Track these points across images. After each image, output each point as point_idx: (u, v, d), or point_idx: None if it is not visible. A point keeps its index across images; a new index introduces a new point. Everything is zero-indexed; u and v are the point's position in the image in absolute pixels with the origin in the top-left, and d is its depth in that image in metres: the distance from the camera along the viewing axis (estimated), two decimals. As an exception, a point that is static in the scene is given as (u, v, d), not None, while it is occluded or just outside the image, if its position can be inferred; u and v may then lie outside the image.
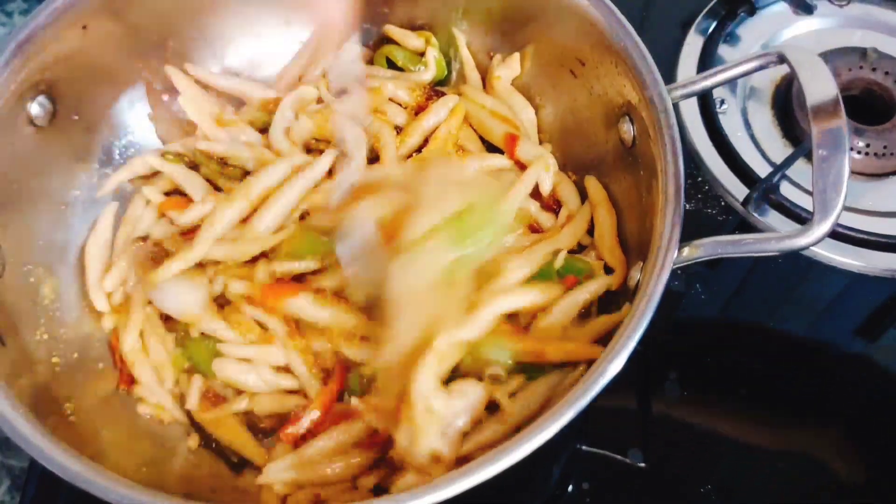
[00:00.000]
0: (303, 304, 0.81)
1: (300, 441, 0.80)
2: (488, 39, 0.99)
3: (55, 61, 0.84)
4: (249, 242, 0.84)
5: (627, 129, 0.82)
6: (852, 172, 1.00)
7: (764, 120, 1.07)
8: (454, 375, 0.76)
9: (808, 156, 0.96)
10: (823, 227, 0.69)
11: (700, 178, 1.02)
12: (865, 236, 0.95)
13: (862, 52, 1.07)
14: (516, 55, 0.97)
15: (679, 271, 0.70)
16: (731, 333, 0.97)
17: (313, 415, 0.80)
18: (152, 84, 0.95)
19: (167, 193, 0.93)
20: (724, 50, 1.12)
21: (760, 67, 0.78)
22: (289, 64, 1.02)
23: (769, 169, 0.99)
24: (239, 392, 0.84)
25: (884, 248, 0.96)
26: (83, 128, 0.90)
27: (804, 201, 0.97)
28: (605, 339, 0.70)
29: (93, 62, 0.88)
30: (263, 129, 0.95)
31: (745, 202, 0.97)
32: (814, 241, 0.69)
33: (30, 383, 0.76)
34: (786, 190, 0.99)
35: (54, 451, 0.66)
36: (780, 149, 1.04)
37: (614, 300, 0.82)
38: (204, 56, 0.98)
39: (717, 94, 1.07)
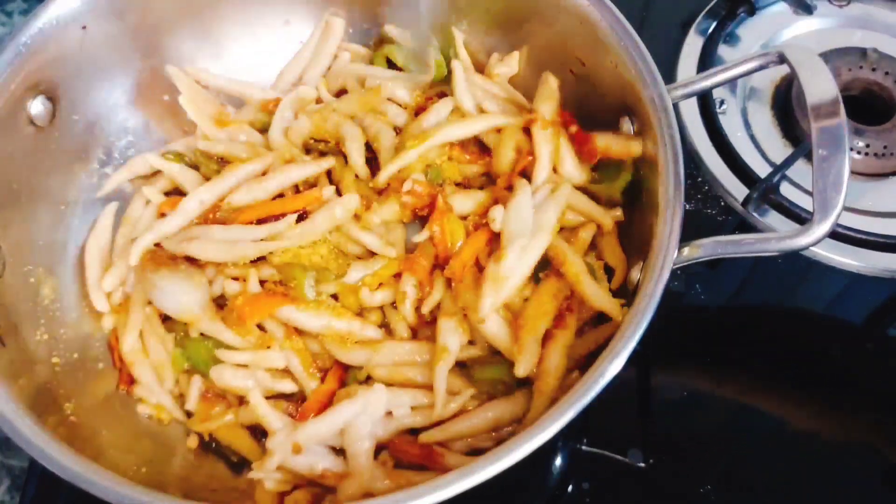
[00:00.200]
0: (289, 314, 0.81)
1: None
2: (488, 39, 0.99)
3: (55, 61, 0.84)
4: (244, 246, 0.83)
5: (627, 129, 0.82)
6: (852, 172, 1.00)
7: (764, 120, 1.07)
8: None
9: (808, 156, 0.96)
10: (823, 227, 0.69)
11: (700, 178, 1.02)
12: (865, 236, 0.95)
13: (862, 52, 1.07)
14: (515, 54, 0.97)
15: (679, 271, 0.70)
16: (731, 333, 0.97)
17: None
18: (152, 84, 0.95)
19: (167, 193, 0.93)
20: (724, 50, 1.12)
21: (760, 67, 0.78)
22: (289, 64, 1.02)
23: (769, 169, 0.99)
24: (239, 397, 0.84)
25: (884, 248, 0.96)
26: (83, 128, 0.90)
27: (804, 201, 0.97)
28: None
29: (93, 62, 0.88)
30: (263, 130, 0.96)
31: (745, 202, 0.97)
32: (814, 241, 0.69)
33: (30, 383, 0.76)
34: (786, 190, 0.99)
35: (54, 451, 0.66)
36: (780, 149, 1.04)
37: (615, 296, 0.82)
38: (204, 56, 0.98)
39: (717, 94, 1.07)
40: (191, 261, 0.84)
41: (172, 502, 0.64)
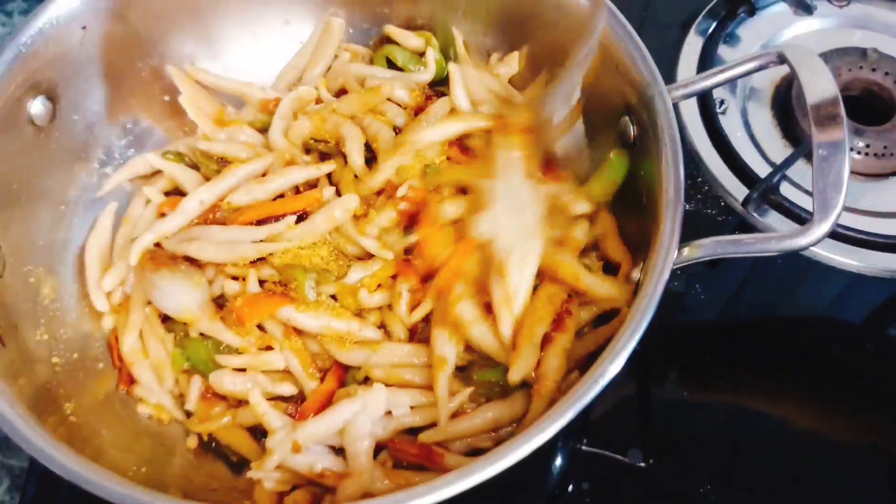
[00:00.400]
0: (289, 315, 0.81)
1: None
2: (488, 39, 0.99)
3: (55, 61, 0.84)
4: (244, 247, 0.83)
5: (628, 129, 0.82)
6: (852, 172, 1.00)
7: (764, 120, 1.07)
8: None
9: (808, 156, 0.96)
10: (823, 227, 0.69)
11: (700, 179, 1.02)
12: (865, 236, 0.95)
13: (862, 53, 1.07)
14: (515, 54, 0.97)
15: (679, 271, 0.70)
16: (731, 333, 0.97)
17: None
18: (152, 84, 0.95)
19: (167, 193, 0.93)
20: (723, 50, 1.12)
21: (760, 67, 0.78)
22: (288, 64, 1.02)
23: (769, 169, 0.99)
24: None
25: (884, 248, 0.96)
26: (83, 128, 0.90)
27: (804, 201, 0.97)
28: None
29: (93, 62, 0.88)
30: (263, 130, 0.96)
31: (745, 202, 0.97)
32: (814, 241, 0.69)
33: (30, 383, 0.76)
34: (786, 190, 0.99)
35: (54, 450, 0.66)
36: (779, 149, 1.04)
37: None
38: (204, 56, 0.98)
39: (717, 94, 1.07)
40: (190, 261, 0.84)
41: (172, 502, 0.64)
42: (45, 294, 0.84)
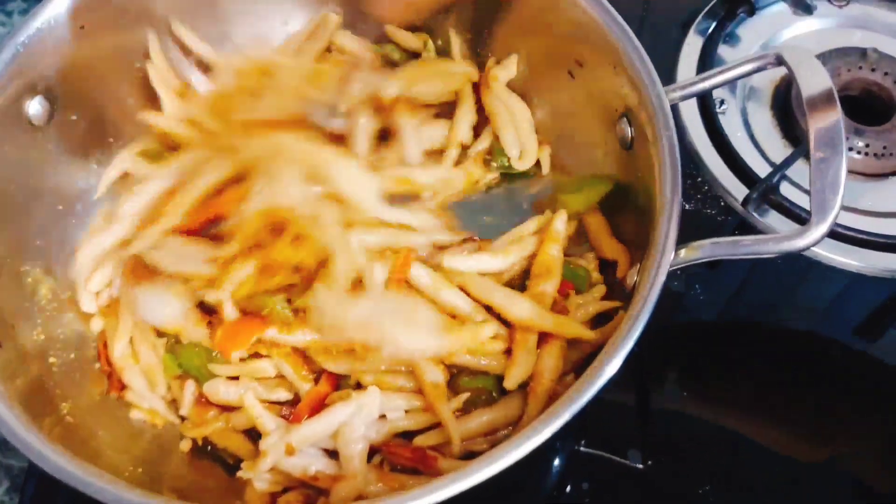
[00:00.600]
0: (273, 336, 0.81)
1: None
2: (486, 40, 0.98)
3: (53, 61, 0.84)
4: (196, 264, 0.82)
5: (625, 131, 0.82)
6: (852, 172, 1.00)
7: (764, 120, 1.07)
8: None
9: (808, 156, 0.96)
10: (821, 229, 0.69)
11: (700, 179, 1.02)
12: (865, 236, 0.95)
13: (862, 53, 1.07)
14: (513, 56, 0.96)
15: (678, 272, 0.70)
16: (731, 334, 0.97)
17: None
18: (151, 84, 0.95)
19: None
20: (723, 50, 1.12)
21: (759, 69, 0.78)
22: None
23: (769, 169, 0.99)
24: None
25: (883, 248, 0.95)
26: (82, 128, 0.90)
27: (804, 201, 0.96)
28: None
29: (91, 62, 0.88)
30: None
31: (745, 202, 0.97)
32: (812, 242, 0.69)
33: (26, 383, 0.75)
34: (785, 190, 0.98)
35: (50, 452, 0.66)
36: (779, 149, 1.04)
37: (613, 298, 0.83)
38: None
39: (717, 94, 1.06)
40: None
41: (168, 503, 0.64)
42: (42, 294, 0.84)
